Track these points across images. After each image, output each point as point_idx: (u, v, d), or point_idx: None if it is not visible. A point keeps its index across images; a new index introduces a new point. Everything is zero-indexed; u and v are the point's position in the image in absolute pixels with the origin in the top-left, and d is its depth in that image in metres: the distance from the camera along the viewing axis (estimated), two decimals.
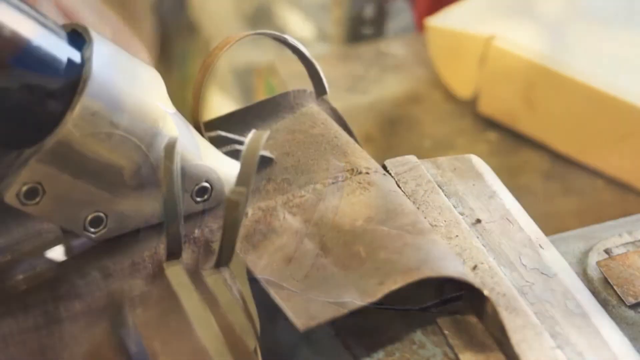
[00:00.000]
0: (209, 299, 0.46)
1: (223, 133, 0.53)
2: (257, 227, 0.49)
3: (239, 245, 0.47)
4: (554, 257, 0.51)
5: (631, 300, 0.53)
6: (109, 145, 0.44)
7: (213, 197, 0.49)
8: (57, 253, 0.49)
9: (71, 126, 0.42)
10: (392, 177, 0.53)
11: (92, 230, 0.46)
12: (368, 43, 1.19)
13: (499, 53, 0.96)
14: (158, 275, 0.47)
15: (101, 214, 0.46)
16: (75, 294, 0.46)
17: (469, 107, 1.03)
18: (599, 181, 0.93)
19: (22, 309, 0.45)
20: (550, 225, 0.86)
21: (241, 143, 0.51)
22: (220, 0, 1.74)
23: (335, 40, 1.58)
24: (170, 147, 0.44)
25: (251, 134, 0.46)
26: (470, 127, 1.01)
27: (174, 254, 0.47)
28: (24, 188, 0.43)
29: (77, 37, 0.45)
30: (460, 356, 0.45)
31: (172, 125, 0.46)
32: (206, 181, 0.49)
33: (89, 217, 0.46)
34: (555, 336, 0.45)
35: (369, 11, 1.49)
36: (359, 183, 0.51)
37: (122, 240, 0.48)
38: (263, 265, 0.46)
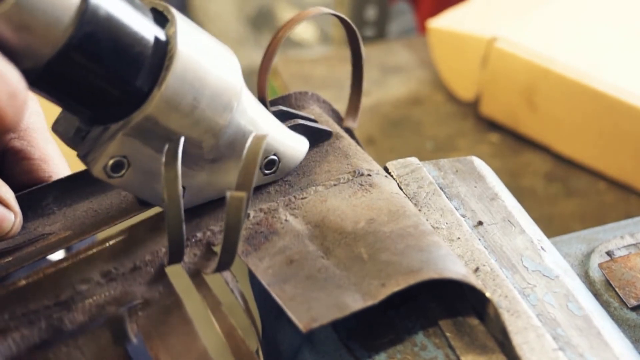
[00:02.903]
0: (211, 301, 0.46)
1: (284, 108, 0.54)
2: (258, 229, 0.49)
3: (240, 247, 0.47)
4: (555, 259, 0.51)
5: (633, 302, 0.53)
6: (191, 120, 0.45)
7: (280, 169, 0.51)
8: (59, 256, 0.49)
9: (158, 102, 0.44)
10: (394, 179, 0.53)
11: None
12: (370, 45, 1.19)
13: (501, 55, 0.96)
14: (160, 278, 0.47)
15: None
16: (78, 299, 0.46)
17: (471, 109, 1.03)
18: (600, 183, 0.93)
19: (26, 316, 0.45)
20: (552, 227, 0.86)
21: (304, 117, 0.54)
22: (222, 2, 1.74)
23: (336, 42, 1.58)
24: (172, 152, 0.44)
25: (251, 137, 0.46)
26: (472, 129, 1.01)
27: (176, 257, 0.47)
28: (111, 161, 0.45)
29: (157, 15, 0.46)
30: (462, 358, 0.45)
31: (246, 100, 0.48)
32: (274, 154, 0.51)
33: None
34: (557, 338, 0.45)
35: (371, 13, 1.49)
36: (361, 185, 0.51)
37: (123, 244, 0.48)
38: (265, 267, 0.46)
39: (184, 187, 0.48)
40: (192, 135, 0.46)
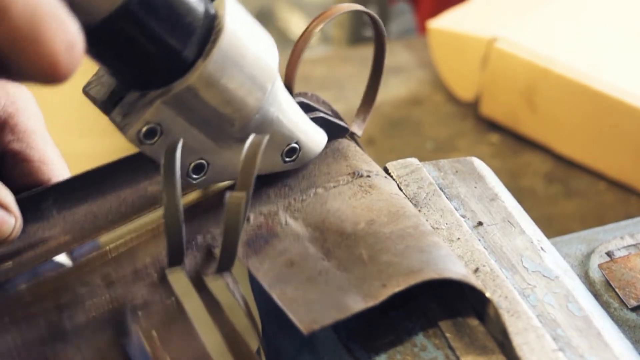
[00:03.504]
0: (212, 304, 0.46)
1: (305, 100, 0.55)
2: (258, 232, 0.49)
3: (240, 251, 0.47)
4: (555, 259, 0.51)
5: (633, 303, 0.53)
6: (228, 96, 0.46)
7: (300, 158, 0.52)
8: (59, 261, 0.49)
9: (201, 74, 0.44)
10: (394, 179, 0.53)
11: (194, 176, 0.48)
12: (370, 45, 1.19)
13: (501, 55, 0.96)
14: (160, 282, 0.47)
15: (204, 162, 0.48)
16: (78, 302, 0.46)
17: (471, 109, 1.04)
18: (601, 183, 0.93)
19: (26, 320, 0.45)
20: (552, 227, 0.86)
21: (323, 112, 0.54)
22: None
23: (337, 42, 1.58)
24: (171, 153, 0.44)
25: (250, 138, 0.46)
26: (472, 130, 1.01)
27: (176, 260, 0.47)
28: (145, 128, 0.45)
29: None
30: (462, 359, 0.45)
31: (278, 86, 0.48)
32: (296, 142, 0.51)
33: (193, 164, 0.48)
34: (557, 339, 0.45)
35: None
36: (361, 186, 0.51)
37: (123, 247, 0.48)
38: (265, 269, 0.46)
39: (207, 163, 0.48)
40: (226, 111, 0.46)
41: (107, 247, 0.48)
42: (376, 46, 0.58)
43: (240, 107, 0.46)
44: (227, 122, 0.47)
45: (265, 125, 0.48)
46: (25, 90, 0.54)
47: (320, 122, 0.53)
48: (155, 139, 0.46)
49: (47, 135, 0.54)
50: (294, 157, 0.51)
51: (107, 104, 0.47)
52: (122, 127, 0.46)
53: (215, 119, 0.46)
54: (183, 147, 0.46)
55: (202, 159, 0.48)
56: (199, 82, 0.44)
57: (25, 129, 0.53)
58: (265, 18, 1.70)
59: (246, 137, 0.48)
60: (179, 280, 0.47)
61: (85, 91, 0.48)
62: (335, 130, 0.55)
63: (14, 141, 0.53)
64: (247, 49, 0.45)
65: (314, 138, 0.52)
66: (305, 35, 0.53)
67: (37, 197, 0.51)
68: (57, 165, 0.54)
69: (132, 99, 0.46)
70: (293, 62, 0.53)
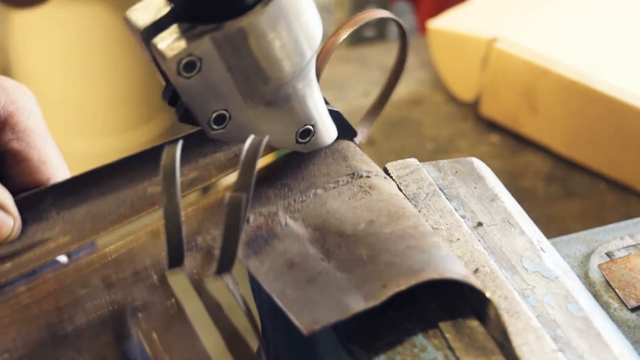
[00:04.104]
0: (212, 305, 0.46)
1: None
2: (258, 233, 0.49)
3: (241, 252, 0.47)
4: (555, 260, 0.51)
5: (633, 303, 0.53)
6: (271, 52, 0.46)
7: (311, 142, 0.52)
8: (58, 262, 0.49)
9: (256, 18, 0.44)
10: (394, 180, 0.53)
11: (215, 126, 0.48)
12: (370, 45, 1.19)
13: (501, 55, 0.96)
14: (160, 282, 0.47)
15: (227, 114, 0.48)
16: (78, 304, 0.46)
17: (471, 110, 1.03)
18: (601, 184, 0.93)
19: (26, 322, 0.45)
20: (552, 228, 0.86)
21: (337, 110, 0.55)
22: None
23: None
24: (171, 155, 0.44)
25: (250, 139, 0.46)
26: (472, 130, 1.01)
27: (176, 261, 0.47)
28: (187, 59, 0.45)
29: None
30: (462, 359, 0.45)
31: (312, 64, 0.49)
32: (312, 125, 0.51)
33: (217, 113, 0.48)
34: (557, 339, 0.45)
35: None
36: (360, 187, 0.51)
37: (123, 249, 0.48)
38: (265, 270, 0.46)
39: (229, 117, 0.48)
40: (264, 66, 0.46)
41: (107, 249, 0.48)
42: (398, 57, 0.59)
43: (278, 67, 0.47)
44: (262, 79, 0.47)
45: (291, 98, 0.49)
46: (25, 89, 0.54)
47: (335, 117, 0.54)
48: (193, 73, 0.45)
49: (48, 135, 0.54)
50: (306, 139, 0.52)
51: (150, 31, 0.46)
52: (163, 52, 0.45)
53: (252, 72, 0.47)
54: (216, 91, 0.46)
55: (226, 110, 0.48)
56: (250, 27, 0.45)
57: (25, 128, 0.53)
58: None
59: (272, 104, 0.48)
60: (179, 282, 0.47)
61: (127, 17, 0.48)
62: (343, 130, 0.55)
63: (14, 140, 0.53)
64: (302, 12, 0.46)
65: (328, 128, 0.53)
66: (330, 44, 0.54)
67: (36, 197, 0.51)
68: (57, 164, 0.54)
69: (180, 29, 0.46)
70: (326, 54, 0.54)
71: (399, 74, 0.59)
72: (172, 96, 0.49)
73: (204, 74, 0.46)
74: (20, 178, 0.52)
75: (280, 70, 0.47)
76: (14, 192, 0.50)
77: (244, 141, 0.49)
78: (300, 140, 0.52)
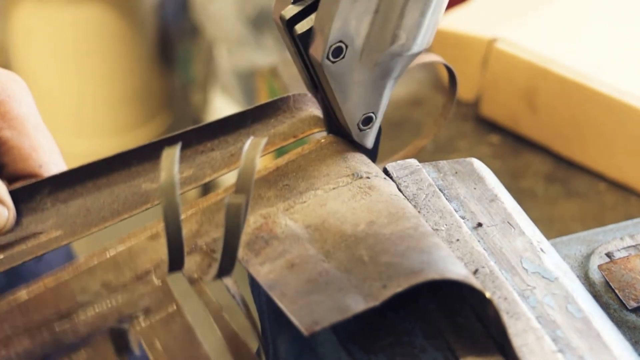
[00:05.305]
0: (212, 308, 0.46)
1: None
2: (258, 234, 0.49)
3: (240, 253, 0.47)
4: (555, 260, 0.51)
5: (633, 304, 0.53)
6: (417, 17, 0.49)
7: (367, 132, 0.54)
8: (58, 262, 0.49)
9: None
10: (394, 180, 0.53)
11: (332, 59, 0.49)
12: None
13: (501, 56, 0.96)
14: (161, 286, 0.47)
15: (344, 48, 0.49)
16: (79, 309, 0.46)
17: (471, 110, 1.03)
18: (601, 184, 0.93)
19: (27, 327, 0.45)
20: (552, 228, 0.86)
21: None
22: (222, 2, 1.74)
23: None
24: (170, 156, 0.44)
25: (249, 141, 0.46)
26: (472, 130, 1.01)
27: (176, 264, 0.47)
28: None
29: None
30: None
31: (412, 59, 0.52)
32: (374, 113, 0.53)
33: (336, 45, 0.49)
34: (557, 340, 0.45)
35: None
36: (360, 188, 0.51)
37: (123, 253, 0.48)
38: (266, 271, 0.46)
39: (345, 55, 0.49)
40: (406, 25, 0.49)
41: (107, 254, 0.48)
42: (447, 99, 0.61)
43: (414, 35, 0.50)
44: (393, 37, 0.49)
45: (388, 75, 0.51)
46: (17, 77, 0.54)
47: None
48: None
49: (40, 122, 0.54)
50: (366, 127, 0.53)
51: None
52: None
53: (392, 24, 0.49)
54: (348, 25, 0.48)
55: (346, 45, 0.49)
56: None
57: (16, 115, 0.53)
58: (266, 18, 1.70)
59: (374, 69, 0.50)
60: (180, 286, 0.47)
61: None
62: (375, 144, 0.56)
63: (5, 128, 0.52)
64: (444, 4, 0.49)
65: (375, 133, 0.55)
66: None
67: (32, 187, 0.51)
68: (49, 151, 0.53)
69: None
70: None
71: (446, 116, 0.61)
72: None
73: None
74: (12, 166, 0.52)
75: (409, 39, 0.49)
76: (7, 180, 0.50)
77: (340, 89, 0.50)
78: (362, 126, 0.53)
